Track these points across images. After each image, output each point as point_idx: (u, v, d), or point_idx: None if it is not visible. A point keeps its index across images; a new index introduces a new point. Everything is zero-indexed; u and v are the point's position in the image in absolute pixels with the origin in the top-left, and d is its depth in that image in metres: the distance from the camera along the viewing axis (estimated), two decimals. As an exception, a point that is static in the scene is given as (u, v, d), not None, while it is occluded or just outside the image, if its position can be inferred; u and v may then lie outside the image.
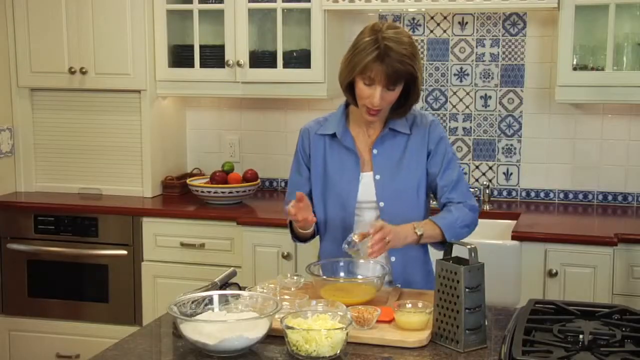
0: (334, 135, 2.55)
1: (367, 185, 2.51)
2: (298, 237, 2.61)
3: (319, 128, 2.59)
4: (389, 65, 2.33)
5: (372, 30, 2.39)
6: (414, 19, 4.00)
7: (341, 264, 2.47)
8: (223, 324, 1.97)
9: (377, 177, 2.50)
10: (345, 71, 2.44)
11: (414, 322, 2.09)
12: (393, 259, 2.51)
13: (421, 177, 2.52)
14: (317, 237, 2.64)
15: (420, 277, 2.54)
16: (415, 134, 2.52)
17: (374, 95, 2.37)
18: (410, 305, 2.16)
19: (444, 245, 2.28)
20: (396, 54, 2.33)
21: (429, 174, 2.52)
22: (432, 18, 3.98)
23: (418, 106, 3.95)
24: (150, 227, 3.80)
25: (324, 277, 2.38)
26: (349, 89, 2.47)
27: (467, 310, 2.00)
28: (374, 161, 2.51)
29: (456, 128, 4.01)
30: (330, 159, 2.55)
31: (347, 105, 2.59)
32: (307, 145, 2.59)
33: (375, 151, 2.52)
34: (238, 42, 3.87)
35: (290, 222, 2.55)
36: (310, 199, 2.56)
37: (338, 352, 1.95)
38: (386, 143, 2.52)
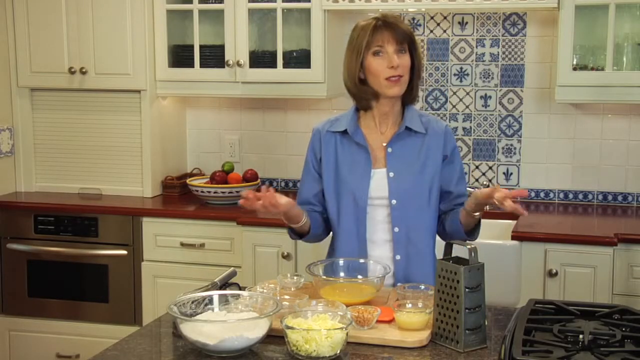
0: (345, 132, 2.56)
1: (379, 182, 2.51)
2: (294, 232, 2.60)
3: (330, 126, 2.60)
4: (393, 27, 2.44)
5: (362, 20, 2.52)
6: (414, 19, 4.00)
7: (341, 263, 2.47)
8: (223, 324, 1.97)
9: (391, 174, 2.51)
10: (352, 62, 2.49)
11: (414, 322, 2.10)
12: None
13: (435, 178, 2.53)
14: (313, 235, 2.62)
15: (423, 275, 2.52)
16: (431, 134, 2.54)
17: (390, 58, 2.43)
18: (410, 305, 2.16)
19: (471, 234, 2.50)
20: (394, 18, 2.47)
21: (444, 179, 2.55)
22: (432, 18, 3.98)
23: (418, 106, 3.97)
24: (150, 227, 3.80)
25: (324, 277, 2.38)
26: (360, 86, 2.49)
27: (467, 310, 2.00)
28: (388, 159, 2.52)
29: (456, 128, 4.01)
30: (341, 156, 2.56)
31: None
32: (318, 147, 2.60)
33: (390, 149, 2.52)
34: (238, 42, 3.87)
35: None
36: (323, 197, 2.61)
37: (338, 352, 1.95)
38: (402, 142, 2.53)
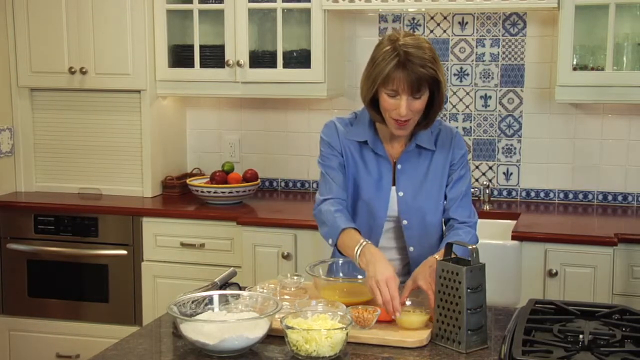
0: (364, 142, 2.48)
1: (390, 199, 2.48)
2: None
3: (348, 131, 2.50)
4: (411, 72, 2.27)
5: (389, 40, 2.34)
6: (414, 19, 4.00)
7: (341, 263, 2.47)
8: (223, 324, 1.97)
9: (400, 194, 2.46)
10: (367, 85, 2.37)
11: (414, 321, 2.10)
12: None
13: (443, 194, 2.49)
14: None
15: None
16: (439, 149, 2.49)
17: (400, 105, 2.30)
18: (409, 302, 2.16)
19: None
20: (417, 59, 2.27)
21: (447, 183, 2.51)
22: (432, 18, 3.98)
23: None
24: (150, 227, 3.79)
25: (324, 277, 2.38)
26: (372, 104, 2.40)
27: (468, 311, 1.99)
28: (397, 177, 2.47)
29: (456, 128, 4.00)
30: (362, 167, 2.48)
31: None
32: (338, 143, 2.48)
33: (399, 166, 2.47)
34: (238, 42, 3.87)
35: (340, 232, 2.38)
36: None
37: (338, 352, 1.95)
38: (411, 159, 2.47)
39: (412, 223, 2.47)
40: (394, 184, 2.48)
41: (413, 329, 2.09)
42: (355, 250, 2.29)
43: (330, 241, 2.42)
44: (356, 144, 2.49)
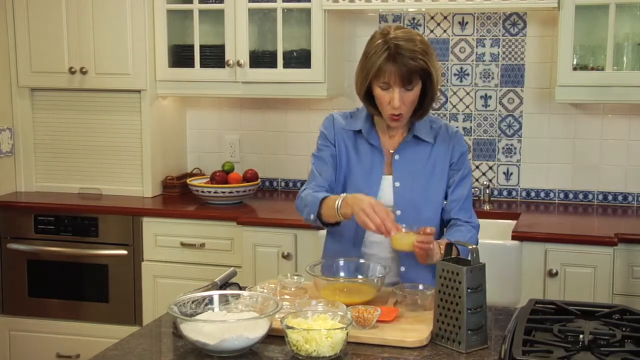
0: (359, 132, 2.52)
1: (385, 189, 2.49)
2: (323, 222, 2.46)
3: (346, 123, 2.55)
4: (401, 65, 2.32)
5: (380, 34, 2.39)
6: (414, 19, 4.00)
7: (341, 263, 2.47)
8: (223, 324, 1.97)
9: (397, 184, 2.48)
10: (360, 80, 2.42)
11: (404, 242, 2.14)
12: (403, 268, 2.49)
13: (441, 189, 2.51)
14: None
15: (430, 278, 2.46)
16: (439, 144, 2.51)
17: (393, 97, 2.35)
18: (405, 227, 2.24)
19: None
20: (407, 52, 2.32)
21: (448, 183, 2.52)
22: (432, 18, 3.98)
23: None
24: (150, 227, 3.79)
25: (324, 277, 2.38)
26: (368, 99, 2.44)
27: (468, 311, 1.99)
28: (394, 167, 2.49)
29: (457, 128, 4.00)
30: (354, 156, 2.52)
31: None
32: (332, 135, 2.54)
33: (397, 156, 2.49)
34: (238, 42, 3.87)
35: (320, 202, 2.40)
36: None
37: (338, 352, 1.95)
38: (409, 150, 2.50)
39: (407, 215, 2.46)
40: (391, 174, 2.49)
41: (403, 250, 2.25)
42: (336, 204, 2.33)
43: (312, 217, 2.43)
44: (351, 135, 2.53)
